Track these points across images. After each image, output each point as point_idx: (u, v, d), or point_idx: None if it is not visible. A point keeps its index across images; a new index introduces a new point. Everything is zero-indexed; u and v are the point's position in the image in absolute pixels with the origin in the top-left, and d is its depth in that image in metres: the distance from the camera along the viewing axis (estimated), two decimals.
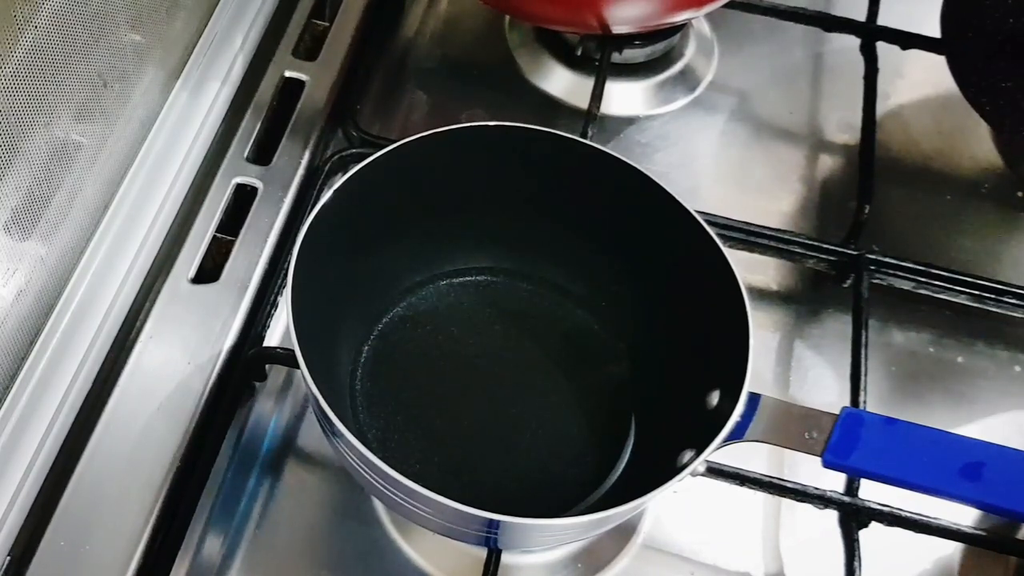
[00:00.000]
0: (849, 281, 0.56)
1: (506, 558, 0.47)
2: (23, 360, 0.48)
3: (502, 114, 0.44)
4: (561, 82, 0.66)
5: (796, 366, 0.56)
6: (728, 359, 0.42)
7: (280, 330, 0.54)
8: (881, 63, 0.64)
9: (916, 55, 0.65)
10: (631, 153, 0.60)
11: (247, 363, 0.51)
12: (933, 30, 0.63)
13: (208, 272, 0.54)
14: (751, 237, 0.57)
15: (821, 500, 0.48)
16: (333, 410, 0.39)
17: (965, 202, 0.63)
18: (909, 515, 0.48)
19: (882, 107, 0.64)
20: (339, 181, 0.45)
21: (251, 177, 0.58)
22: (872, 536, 0.48)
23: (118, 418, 0.49)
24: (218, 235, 0.56)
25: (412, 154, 0.47)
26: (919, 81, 0.68)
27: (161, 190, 0.56)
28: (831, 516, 0.50)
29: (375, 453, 0.38)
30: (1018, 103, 0.58)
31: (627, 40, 0.64)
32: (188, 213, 0.56)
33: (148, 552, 0.46)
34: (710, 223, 0.46)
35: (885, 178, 0.61)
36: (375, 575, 0.48)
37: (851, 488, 0.49)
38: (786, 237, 0.57)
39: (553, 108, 0.65)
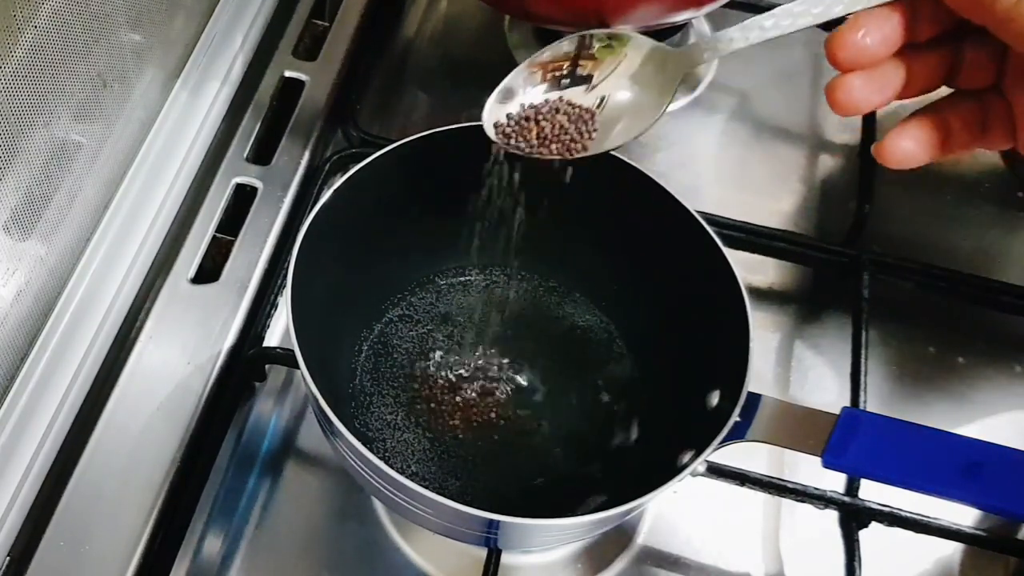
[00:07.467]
0: (849, 281, 0.56)
1: (506, 558, 0.47)
2: (23, 359, 0.48)
3: None
4: None
5: (796, 366, 0.56)
6: (728, 359, 0.42)
7: (280, 330, 0.54)
8: None
9: None
10: (631, 153, 0.60)
11: (247, 363, 0.51)
12: None
13: (208, 272, 0.54)
14: (751, 237, 0.57)
15: (821, 500, 0.48)
16: (333, 410, 0.39)
17: (965, 202, 0.63)
18: (909, 515, 0.48)
19: None
20: (339, 181, 0.45)
21: (251, 177, 0.58)
22: (872, 536, 0.48)
23: (118, 418, 0.49)
24: (218, 235, 0.56)
25: (412, 154, 0.47)
26: None
27: (161, 190, 0.56)
28: (831, 516, 0.50)
29: (375, 453, 0.38)
30: None
31: None
32: (188, 213, 0.56)
33: (148, 552, 0.46)
34: (710, 223, 0.46)
35: (885, 178, 0.61)
36: (375, 575, 0.48)
37: (851, 488, 0.49)
38: (786, 237, 0.57)
39: None
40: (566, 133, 0.42)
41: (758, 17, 0.37)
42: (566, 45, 0.43)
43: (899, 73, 0.36)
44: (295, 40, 0.64)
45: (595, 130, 0.42)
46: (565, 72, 0.43)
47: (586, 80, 0.42)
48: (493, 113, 0.43)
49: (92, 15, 0.48)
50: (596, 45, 0.42)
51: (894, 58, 0.36)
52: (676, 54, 0.40)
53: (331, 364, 0.49)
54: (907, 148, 0.37)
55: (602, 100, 0.42)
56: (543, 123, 0.42)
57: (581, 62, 0.43)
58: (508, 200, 0.51)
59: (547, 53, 0.43)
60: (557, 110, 0.42)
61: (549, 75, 0.43)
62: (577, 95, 0.42)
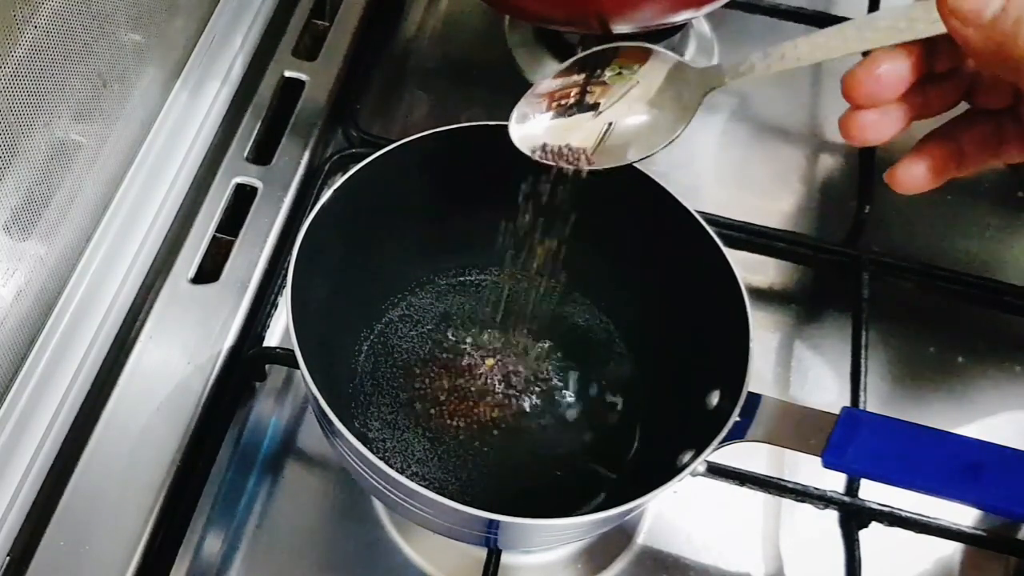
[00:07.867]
0: (849, 281, 0.56)
1: (506, 558, 0.47)
2: (23, 360, 0.48)
3: (502, 114, 0.44)
4: None
5: (796, 366, 0.56)
6: (728, 359, 0.42)
7: (280, 330, 0.54)
8: None
9: None
10: None
11: (247, 363, 0.51)
12: None
13: (208, 272, 0.54)
14: (751, 237, 0.57)
15: (821, 500, 0.48)
16: (333, 410, 0.39)
17: (965, 202, 0.63)
18: (909, 515, 0.48)
19: None
20: (339, 181, 0.45)
21: (251, 177, 0.58)
22: (872, 536, 0.48)
23: (118, 418, 0.49)
24: (218, 235, 0.56)
25: (412, 154, 0.47)
26: None
27: (161, 190, 0.56)
28: (831, 516, 0.50)
29: (375, 453, 0.38)
30: None
31: (627, 40, 0.64)
32: (188, 213, 0.56)
33: (148, 552, 0.46)
34: (710, 223, 0.46)
35: None
36: (375, 575, 0.48)
37: (851, 488, 0.49)
38: (787, 237, 0.57)
39: None
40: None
41: (779, 46, 0.37)
42: (575, 75, 0.43)
43: (915, 103, 0.35)
44: (295, 40, 0.64)
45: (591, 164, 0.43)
46: (573, 99, 0.43)
47: (593, 107, 0.43)
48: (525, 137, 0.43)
49: (92, 15, 0.48)
50: (607, 73, 0.42)
51: (910, 89, 0.35)
52: (697, 72, 0.40)
53: (331, 364, 0.49)
54: (920, 175, 0.36)
55: (609, 126, 0.42)
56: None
57: (590, 88, 0.43)
58: (508, 200, 0.51)
59: (556, 81, 0.43)
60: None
61: (555, 104, 0.43)
62: (585, 119, 0.43)
